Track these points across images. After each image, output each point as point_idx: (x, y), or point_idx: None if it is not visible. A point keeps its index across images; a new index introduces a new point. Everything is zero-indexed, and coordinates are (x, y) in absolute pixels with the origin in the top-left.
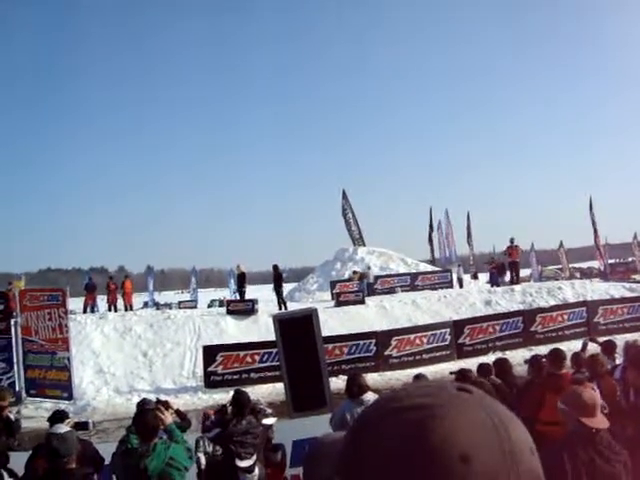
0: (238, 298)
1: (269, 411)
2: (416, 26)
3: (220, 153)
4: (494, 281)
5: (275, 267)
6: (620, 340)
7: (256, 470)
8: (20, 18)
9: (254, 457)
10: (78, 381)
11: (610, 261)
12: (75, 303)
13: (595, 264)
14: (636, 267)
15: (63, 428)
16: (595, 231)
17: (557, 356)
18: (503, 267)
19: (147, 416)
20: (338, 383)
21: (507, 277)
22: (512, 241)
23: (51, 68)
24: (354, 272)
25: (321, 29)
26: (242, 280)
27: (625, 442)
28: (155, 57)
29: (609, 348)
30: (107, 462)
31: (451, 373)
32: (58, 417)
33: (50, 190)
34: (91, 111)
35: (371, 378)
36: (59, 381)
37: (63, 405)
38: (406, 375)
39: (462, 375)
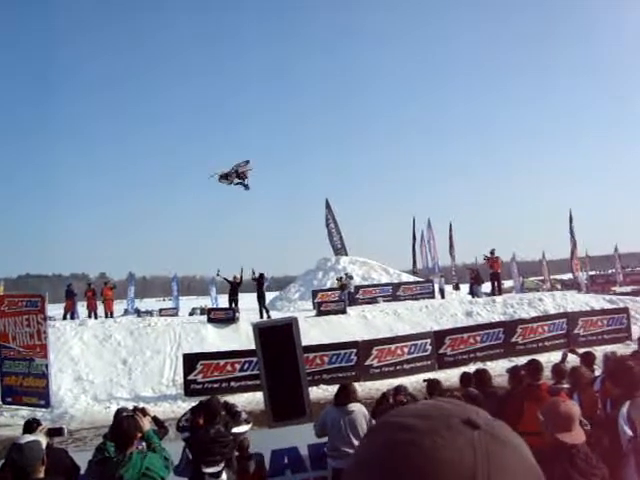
0: (228, 306)
1: (245, 416)
2: (396, 31)
3: (204, 162)
4: (473, 291)
5: (261, 275)
6: (600, 351)
7: (223, 476)
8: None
9: (222, 464)
10: (56, 388)
11: (591, 273)
12: (55, 309)
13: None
14: (616, 279)
15: (26, 438)
16: (574, 243)
17: (535, 367)
18: (478, 277)
19: (124, 424)
20: (318, 393)
21: (484, 288)
22: (492, 252)
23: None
24: (338, 279)
25: (301, 33)
26: (235, 289)
27: (602, 453)
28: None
29: (588, 359)
30: (84, 471)
31: (424, 381)
32: (29, 426)
33: (31, 195)
34: (72, 116)
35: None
36: (36, 388)
37: (40, 413)
38: (387, 385)
39: (430, 385)
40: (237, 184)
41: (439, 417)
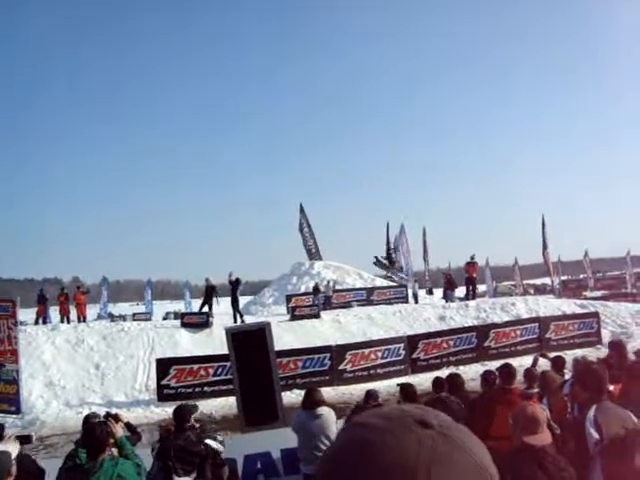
0: (206, 310)
1: (220, 438)
2: (373, 32)
3: (178, 166)
4: (447, 296)
5: (236, 280)
6: (571, 356)
7: None
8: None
9: (193, 474)
10: (27, 394)
11: (563, 278)
12: (27, 314)
13: (548, 281)
14: (587, 284)
15: None
16: (545, 248)
17: (508, 371)
18: (452, 282)
19: (96, 430)
20: (292, 397)
21: (458, 292)
22: (472, 258)
23: None
24: (317, 285)
25: (274, 43)
26: (211, 293)
27: (569, 457)
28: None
29: (558, 364)
30: (52, 478)
31: (398, 385)
32: None
33: (3, 199)
34: (55, 120)
35: (325, 392)
36: (7, 394)
37: (11, 419)
38: (360, 389)
39: (404, 389)
40: None
41: (397, 418)
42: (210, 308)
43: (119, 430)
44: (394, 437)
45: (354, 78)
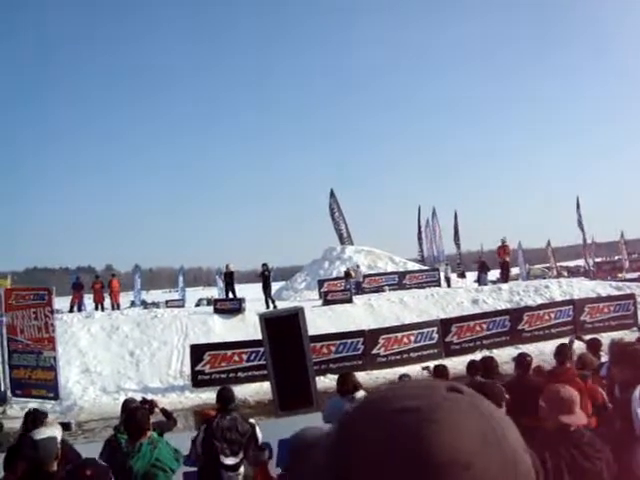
0: (225, 297)
1: (252, 422)
2: (396, 23)
3: (209, 153)
4: (480, 280)
5: (264, 265)
6: (606, 338)
7: (242, 469)
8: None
9: (240, 455)
10: (64, 381)
11: (597, 259)
12: (62, 302)
13: (582, 262)
14: (622, 265)
15: (42, 434)
16: (582, 230)
17: (561, 351)
18: (484, 265)
19: (137, 415)
20: (325, 382)
21: (491, 275)
22: (503, 241)
23: None
24: (346, 271)
25: (305, 27)
26: (231, 279)
27: (613, 437)
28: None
29: (594, 346)
30: None
31: (423, 369)
32: (36, 418)
33: (37, 188)
34: (79, 109)
35: (359, 377)
36: (45, 381)
37: (49, 405)
38: (394, 373)
39: (438, 371)
40: None
41: (430, 393)
42: (233, 293)
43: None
44: (450, 412)
45: (385, 61)
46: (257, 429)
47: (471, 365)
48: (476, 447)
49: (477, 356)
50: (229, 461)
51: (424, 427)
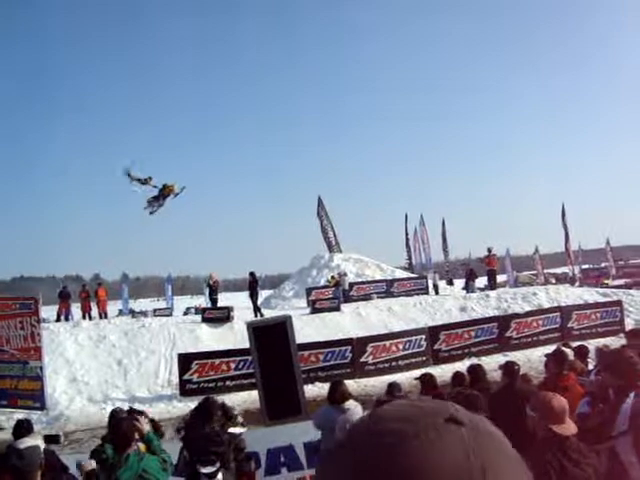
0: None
1: (240, 420)
2: (392, 27)
3: (196, 161)
4: (468, 287)
5: (251, 274)
6: (594, 345)
7: (219, 476)
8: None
9: (217, 464)
10: (51, 390)
11: (584, 266)
12: (49, 311)
13: (569, 270)
14: (609, 272)
15: (25, 443)
16: (567, 237)
17: (560, 357)
18: (472, 273)
19: (123, 425)
20: (314, 390)
21: (478, 283)
22: (490, 250)
23: None
24: (331, 277)
25: (302, 31)
26: (214, 290)
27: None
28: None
29: (582, 353)
30: (77, 473)
31: (416, 379)
32: (23, 429)
33: (25, 197)
34: (68, 114)
35: (347, 385)
36: (31, 391)
37: (35, 415)
38: (382, 382)
39: (425, 381)
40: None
41: (422, 418)
42: (215, 304)
43: (145, 425)
44: (432, 442)
45: (374, 67)
46: (240, 438)
47: (455, 376)
48: None
49: (465, 364)
50: (206, 470)
51: (393, 452)
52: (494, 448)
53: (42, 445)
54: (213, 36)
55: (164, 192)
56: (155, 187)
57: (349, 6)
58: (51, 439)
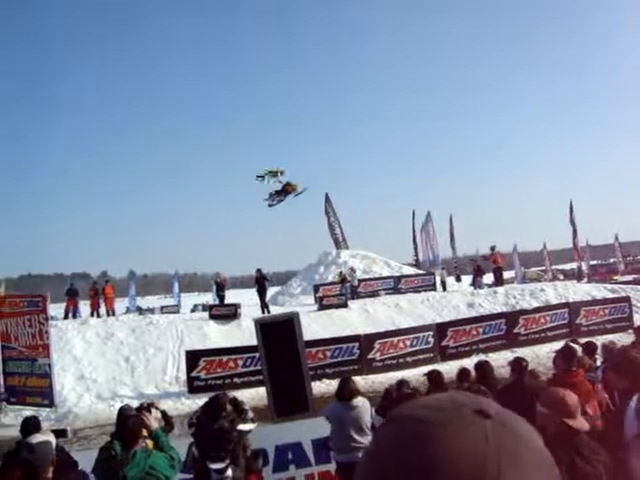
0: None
1: (251, 415)
2: (399, 25)
3: (203, 158)
4: (475, 283)
5: (259, 271)
6: (602, 341)
7: (229, 472)
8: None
9: (227, 461)
10: (59, 388)
11: (592, 262)
12: (57, 309)
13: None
14: (617, 268)
15: (37, 438)
16: (575, 233)
17: (569, 353)
18: (480, 269)
19: (129, 423)
20: (321, 387)
21: (486, 279)
22: (492, 249)
23: None
24: (340, 273)
25: (304, 31)
26: (221, 288)
27: (608, 440)
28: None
29: (590, 349)
30: (86, 469)
31: (424, 376)
32: (31, 425)
33: (31, 194)
34: (73, 114)
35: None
36: (40, 388)
37: (44, 412)
38: (389, 378)
39: (432, 378)
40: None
41: (451, 408)
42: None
43: (153, 422)
44: (455, 431)
45: (374, 67)
46: (248, 436)
47: (461, 372)
48: (458, 476)
49: (473, 360)
50: (215, 466)
51: (417, 439)
52: (517, 444)
53: (54, 441)
54: (213, 36)
55: (287, 189)
56: (280, 182)
57: (349, 6)
58: (59, 433)
